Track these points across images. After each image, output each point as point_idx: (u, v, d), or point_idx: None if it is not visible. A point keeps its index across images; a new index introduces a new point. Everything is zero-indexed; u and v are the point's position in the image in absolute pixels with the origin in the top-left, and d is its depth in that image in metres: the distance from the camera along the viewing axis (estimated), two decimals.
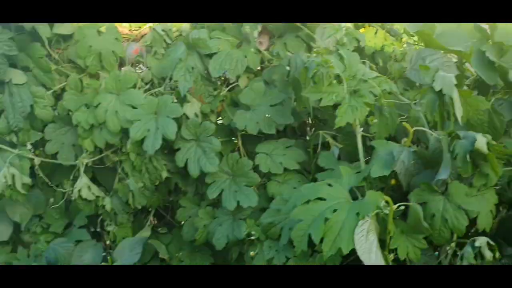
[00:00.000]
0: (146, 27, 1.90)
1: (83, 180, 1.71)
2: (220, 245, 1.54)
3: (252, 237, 1.46)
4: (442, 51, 1.56)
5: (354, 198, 1.24)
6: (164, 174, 1.70)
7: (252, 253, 1.46)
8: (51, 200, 2.02)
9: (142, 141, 1.61)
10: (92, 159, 1.79)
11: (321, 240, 1.16)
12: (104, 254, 1.83)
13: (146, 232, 1.80)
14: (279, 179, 1.56)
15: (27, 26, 1.71)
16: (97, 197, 1.73)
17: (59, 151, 1.84)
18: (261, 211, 1.56)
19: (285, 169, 1.56)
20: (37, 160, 1.77)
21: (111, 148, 1.79)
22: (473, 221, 1.27)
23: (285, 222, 1.41)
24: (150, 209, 1.89)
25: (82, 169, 1.73)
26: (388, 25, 1.79)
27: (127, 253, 1.70)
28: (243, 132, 1.64)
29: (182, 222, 1.77)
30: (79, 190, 1.69)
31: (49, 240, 1.94)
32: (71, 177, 1.78)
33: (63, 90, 1.86)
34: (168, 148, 1.72)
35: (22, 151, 1.78)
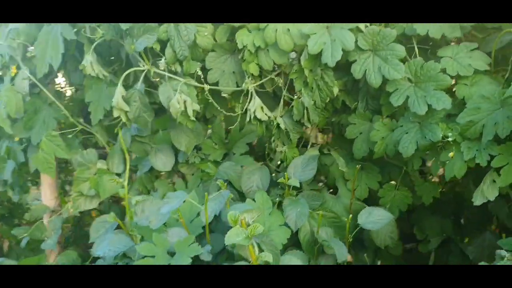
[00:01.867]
0: None
1: (257, 102, 1.74)
2: (408, 152, 1.53)
3: (449, 139, 1.43)
4: None
5: None
6: (336, 90, 1.69)
7: (451, 154, 1.43)
8: (209, 131, 2.09)
9: (316, 56, 1.61)
10: (255, 84, 1.82)
11: None
12: (273, 174, 1.88)
13: (314, 151, 1.82)
14: (467, 82, 1.51)
15: None
16: (269, 117, 1.76)
17: (220, 80, 1.88)
18: (447, 117, 1.53)
19: (474, 71, 1.51)
20: (206, 87, 1.82)
21: (273, 72, 1.82)
22: None
23: (488, 118, 1.37)
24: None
25: (253, 92, 1.76)
26: None
27: (299, 171, 1.73)
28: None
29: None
30: (254, 111, 1.72)
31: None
32: (240, 101, 1.82)
33: None
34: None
35: (187, 79, 1.84)
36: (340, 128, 1.87)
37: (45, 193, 2.56)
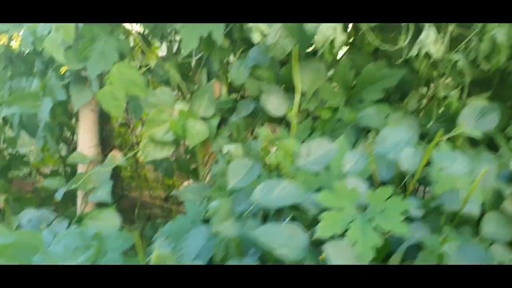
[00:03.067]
0: None
1: (432, 33, 1.42)
2: None
3: None
4: None
5: None
6: None
7: None
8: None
9: None
10: None
11: None
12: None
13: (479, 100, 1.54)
14: None
15: None
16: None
17: None
18: None
19: None
20: None
21: None
22: None
23: None
24: None
25: None
26: None
27: (473, 122, 1.45)
28: None
29: None
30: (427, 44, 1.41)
31: None
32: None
33: None
34: None
35: None
36: (505, 78, 1.60)
37: (83, 140, 2.15)
